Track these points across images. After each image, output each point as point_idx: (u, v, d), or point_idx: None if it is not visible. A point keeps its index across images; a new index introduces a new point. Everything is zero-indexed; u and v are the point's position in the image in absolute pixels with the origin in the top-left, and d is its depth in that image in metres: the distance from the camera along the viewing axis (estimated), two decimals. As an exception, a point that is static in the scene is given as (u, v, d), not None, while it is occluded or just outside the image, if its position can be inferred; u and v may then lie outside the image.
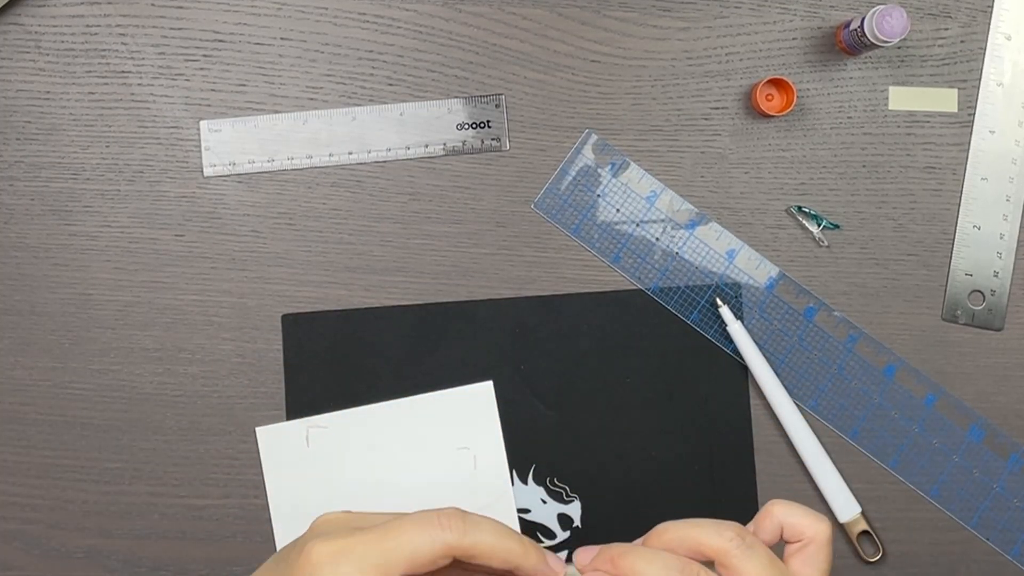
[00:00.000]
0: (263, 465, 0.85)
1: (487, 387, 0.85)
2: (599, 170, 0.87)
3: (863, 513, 0.86)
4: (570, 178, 0.87)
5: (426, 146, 0.86)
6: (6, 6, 0.85)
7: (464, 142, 0.87)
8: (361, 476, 0.85)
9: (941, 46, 0.88)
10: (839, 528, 0.86)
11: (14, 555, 0.85)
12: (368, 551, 0.55)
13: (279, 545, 0.85)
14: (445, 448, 0.85)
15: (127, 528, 0.85)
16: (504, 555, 0.56)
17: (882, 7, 0.81)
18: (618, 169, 0.87)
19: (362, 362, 0.86)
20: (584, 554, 0.59)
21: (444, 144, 0.87)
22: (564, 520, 0.86)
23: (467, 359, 0.86)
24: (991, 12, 0.88)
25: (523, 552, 0.57)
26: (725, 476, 0.86)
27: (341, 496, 0.84)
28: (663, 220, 0.87)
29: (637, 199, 0.86)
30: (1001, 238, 0.88)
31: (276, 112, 0.86)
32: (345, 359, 0.86)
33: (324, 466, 0.85)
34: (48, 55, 0.86)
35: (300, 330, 0.86)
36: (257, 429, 0.85)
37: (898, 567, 0.87)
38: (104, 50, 0.86)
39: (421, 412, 0.85)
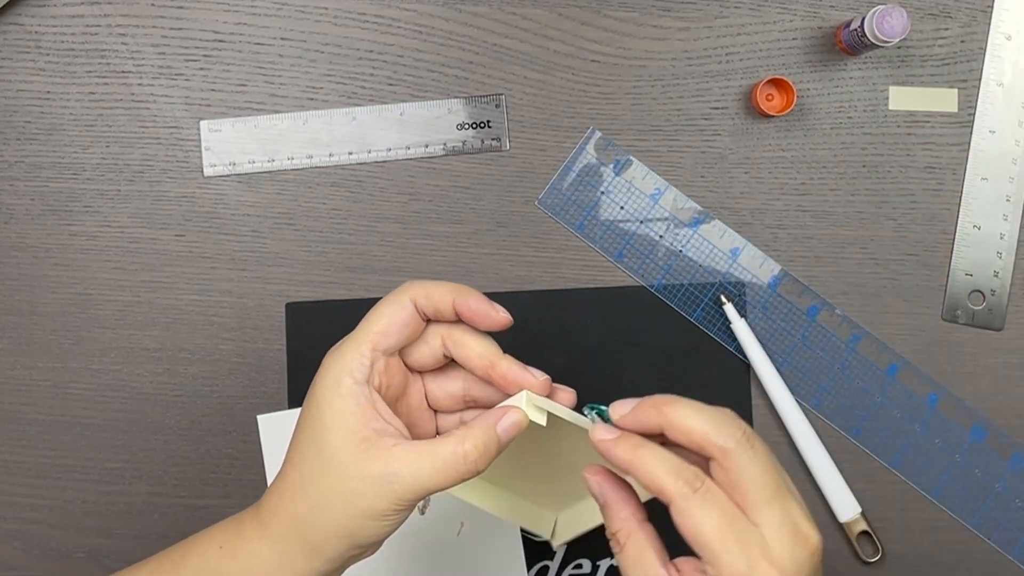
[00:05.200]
0: (263, 452, 0.85)
1: (489, 384, 0.85)
2: (602, 168, 0.87)
3: (863, 513, 0.86)
4: (573, 175, 0.87)
5: (426, 146, 0.86)
6: (6, 6, 0.85)
7: (464, 142, 0.87)
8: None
9: (941, 46, 0.88)
10: (839, 528, 0.86)
11: (14, 555, 0.85)
12: (354, 338, 0.62)
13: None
14: (446, 448, 0.85)
15: (127, 528, 0.85)
16: (451, 291, 0.62)
17: (882, 7, 0.81)
18: (621, 167, 0.87)
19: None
20: (622, 406, 0.61)
21: (444, 144, 0.86)
22: (565, 520, 0.86)
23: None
24: (991, 12, 0.88)
25: (467, 289, 0.63)
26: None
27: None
28: (667, 218, 0.87)
29: (641, 196, 0.86)
30: (1001, 238, 0.88)
31: (276, 112, 0.86)
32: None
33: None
34: (48, 55, 0.86)
35: (304, 319, 0.86)
36: (259, 417, 0.85)
37: (898, 567, 0.87)
38: (104, 50, 0.86)
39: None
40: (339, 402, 0.60)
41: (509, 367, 0.63)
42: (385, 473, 0.58)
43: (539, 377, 0.63)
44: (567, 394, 0.64)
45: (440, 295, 0.62)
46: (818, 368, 0.87)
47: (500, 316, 0.62)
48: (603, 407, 0.61)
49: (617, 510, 0.59)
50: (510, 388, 0.63)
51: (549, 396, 0.64)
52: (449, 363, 0.66)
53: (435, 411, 0.67)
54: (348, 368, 0.61)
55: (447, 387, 0.66)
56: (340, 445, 0.59)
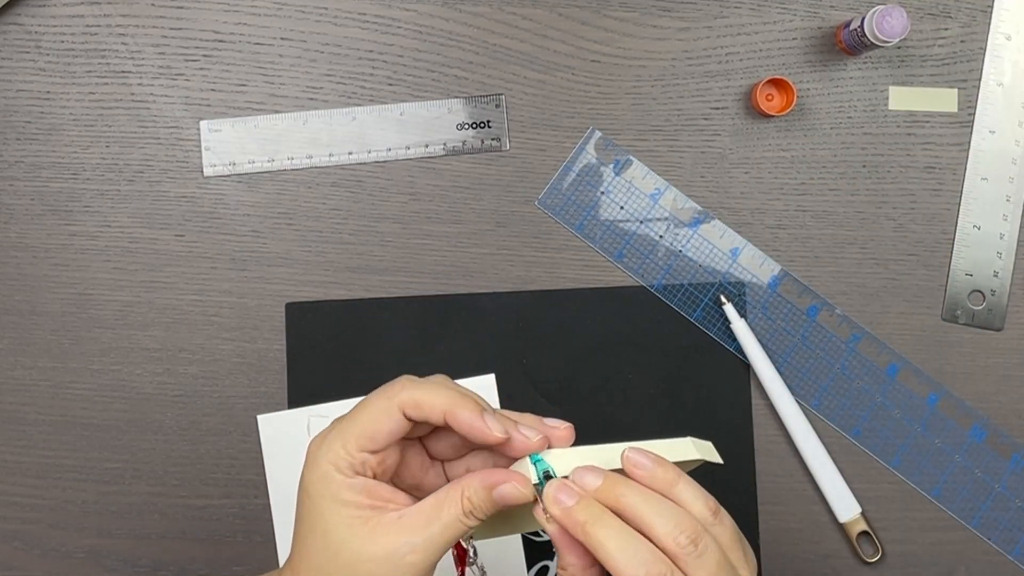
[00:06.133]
0: (263, 453, 0.85)
1: (489, 380, 0.85)
2: (602, 168, 0.87)
3: (863, 513, 0.86)
4: (573, 175, 0.87)
5: (426, 146, 0.86)
6: (6, 6, 0.85)
7: (464, 142, 0.87)
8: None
9: (941, 46, 0.88)
10: (839, 528, 0.86)
11: (14, 555, 0.85)
12: (340, 433, 0.60)
13: (279, 541, 0.85)
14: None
15: (127, 528, 0.85)
16: (442, 403, 0.60)
17: (882, 7, 0.81)
18: (621, 167, 0.87)
19: (365, 352, 0.86)
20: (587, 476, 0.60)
21: (444, 144, 0.86)
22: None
23: (470, 352, 0.86)
24: (991, 12, 0.88)
25: (460, 399, 0.60)
26: (725, 474, 0.86)
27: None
28: (667, 218, 0.87)
29: (641, 196, 0.87)
30: (1001, 238, 0.88)
31: (276, 112, 0.86)
32: (348, 349, 0.86)
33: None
34: (48, 55, 0.86)
35: (304, 319, 0.86)
36: (259, 417, 0.85)
37: (898, 567, 0.87)
38: (104, 50, 0.86)
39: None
40: (332, 497, 0.59)
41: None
42: (396, 548, 0.58)
43: (534, 439, 0.61)
44: (564, 431, 0.62)
45: (431, 407, 0.60)
46: (818, 368, 0.87)
47: (494, 436, 0.60)
48: (550, 466, 0.60)
49: (566, 553, 0.59)
50: (508, 453, 0.62)
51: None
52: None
53: (441, 461, 0.66)
54: (336, 464, 0.60)
55: (446, 440, 0.64)
56: (345, 534, 0.59)
